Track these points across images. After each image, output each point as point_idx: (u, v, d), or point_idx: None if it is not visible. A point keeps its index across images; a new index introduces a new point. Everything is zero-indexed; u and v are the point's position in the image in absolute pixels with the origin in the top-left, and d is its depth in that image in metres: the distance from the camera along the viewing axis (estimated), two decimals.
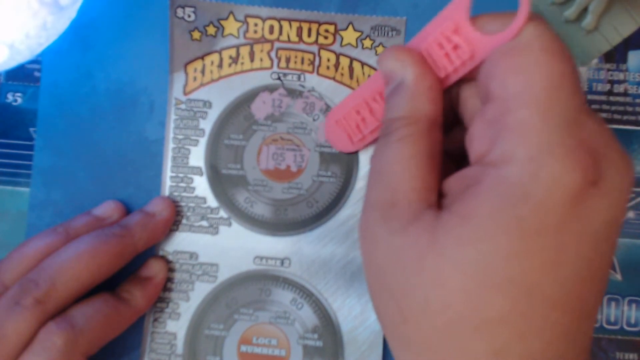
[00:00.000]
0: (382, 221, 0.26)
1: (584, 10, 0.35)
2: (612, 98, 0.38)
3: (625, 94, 0.38)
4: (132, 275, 0.36)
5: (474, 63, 0.26)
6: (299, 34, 0.38)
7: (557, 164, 0.22)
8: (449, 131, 0.30)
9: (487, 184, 0.23)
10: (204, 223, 0.38)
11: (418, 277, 0.24)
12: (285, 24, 0.38)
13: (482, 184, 0.23)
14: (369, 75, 0.38)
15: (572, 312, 0.23)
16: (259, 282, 0.38)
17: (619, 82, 0.38)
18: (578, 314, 0.23)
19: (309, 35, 0.38)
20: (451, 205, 0.24)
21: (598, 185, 0.23)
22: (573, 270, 0.23)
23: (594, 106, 0.38)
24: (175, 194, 0.38)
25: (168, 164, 0.38)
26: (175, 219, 0.38)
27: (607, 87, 0.38)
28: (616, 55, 0.39)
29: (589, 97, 0.38)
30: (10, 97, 0.39)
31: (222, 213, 0.38)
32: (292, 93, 0.38)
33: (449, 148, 0.30)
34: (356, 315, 0.37)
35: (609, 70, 0.39)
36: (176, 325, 0.38)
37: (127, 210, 0.38)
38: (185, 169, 0.38)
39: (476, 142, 0.25)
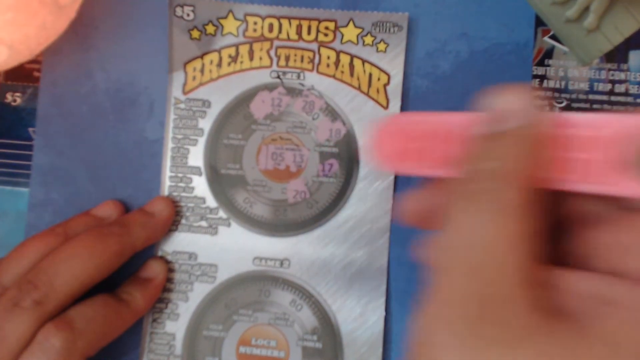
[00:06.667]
0: (472, 325, 0.19)
1: (585, 9, 0.35)
2: (613, 98, 0.38)
3: (626, 93, 0.38)
4: (132, 277, 0.37)
5: (594, 191, 0.21)
6: (299, 31, 0.38)
7: None
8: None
9: (632, 305, 0.19)
10: (203, 223, 0.38)
11: None
12: (284, 22, 0.38)
13: (623, 304, 0.19)
14: (370, 74, 0.38)
15: None
16: (258, 283, 0.38)
17: (620, 81, 0.38)
18: None
19: (309, 32, 0.38)
20: (583, 322, 0.19)
21: None
22: None
23: (595, 106, 0.38)
24: (175, 194, 0.38)
25: (167, 163, 0.38)
26: (174, 219, 0.38)
27: (608, 86, 0.38)
28: (617, 55, 0.38)
29: (590, 97, 0.38)
30: (9, 96, 0.39)
31: (222, 213, 0.38)
32: (292, 92, 0.38)
33: None
34: (356, 317, 0.37)
35: (610, 70, 0.38)
36: (175, 325, 0.38)
37: (127, 210, 0.38)
38: (185, 168, 0.38)
39: (616, 248, 0.21)
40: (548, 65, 0.38)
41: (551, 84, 0.38)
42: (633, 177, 0.20)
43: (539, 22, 0.38)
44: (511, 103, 0.22)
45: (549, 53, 0.38)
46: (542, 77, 0.38)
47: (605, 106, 0.38)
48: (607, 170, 0.21)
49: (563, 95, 0.38)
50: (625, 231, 0.21)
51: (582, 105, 0.38)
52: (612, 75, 0.38)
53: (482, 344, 0.19)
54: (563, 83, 0.38)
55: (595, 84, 0.38)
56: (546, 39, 0.38)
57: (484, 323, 0.19)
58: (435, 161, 0.25)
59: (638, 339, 0.18)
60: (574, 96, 0.38)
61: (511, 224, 0.20)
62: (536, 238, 0.20)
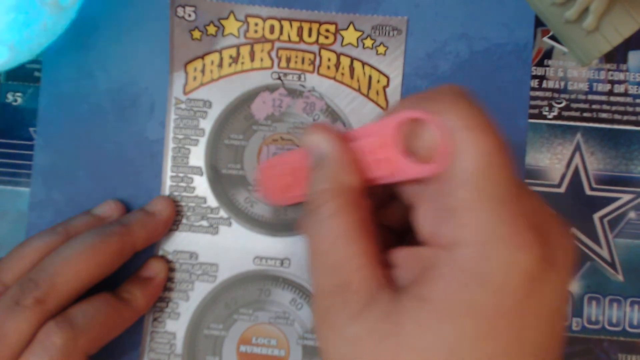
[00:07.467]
0: (340, 306, 0.24)
1: (585, 10, 0.35)
2: (612, 98, 0.38)
3: (625, 94, 0.38)
4: (133, 276, 0.36)
5: (395, 180, 0.26)
6: (300, 33, 0.38)
7: (505, 245, 0.22)
8: (386, 206, 0.30)
9: (441, 268, 0.23)
10: (204, 223, 0.38)
11: None
12: (285, 24, 0.38)
13: (438, 267, 0.23)
14: (370, 76, 0.38)
15: None
16: (259, 282, 0.38)
17: (620, 82, 0.38)
18: None
19: (310, 35, 0.38)
20: (409, 287, 0.23)
21: (549, 261, 0.22)
22: (534, 345, 0.23)
23: (594, 107, 0.38)
24: (176, 193, 0.38)
25: (168, 163, 0.38)
26: (175, 218, 0.38)
27: (608, 87, 0.38)
28: (616, 56, 0.39)
29: (590, 97, 0.38)
30: (10, 96, 0.39)
31: (222, 213, 0.38)
32: (293, 93, 0.38)
33: (388, 221, 0.30)
34: None
35: (609, 70, 0.39)
36: (176, 324, 0.38)
37: (127, 209, 0.38)
38: (186, 168, 0.38)
39: (423, 223, 0.25)
40: (547, 66, 0.39)
41: (550, 84, 0.39)
42: (411, 161, 0.24)
43: (539, 23, 0.38)
44: (314, 139, 0.27)
45: (549, 53, 0.39)
46: (542, 78, 0.39)
47: (605, 107, 0.38)
48: (398, 161, 0.25)
49: (562, 95, 0.38)
50: (418, 203, 0.25)
51: (582, 105, 0.38)
52: (612, 75, 0.38)
53: (339, 325, 0.24)
54: (562, 83, 0.39)
55: (595, 84, 0.39)
56: (546, 39, 0.39)
57: (345, 302, 0.24)
58: (299, 190, 0.31)
59: (445, 293, 0.22)
60: (573, 96, 0.38)
61: (344, 222, 0.25)
62: (370, 227, 0.25)
